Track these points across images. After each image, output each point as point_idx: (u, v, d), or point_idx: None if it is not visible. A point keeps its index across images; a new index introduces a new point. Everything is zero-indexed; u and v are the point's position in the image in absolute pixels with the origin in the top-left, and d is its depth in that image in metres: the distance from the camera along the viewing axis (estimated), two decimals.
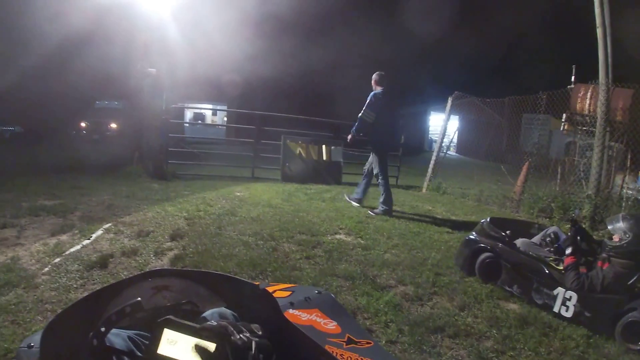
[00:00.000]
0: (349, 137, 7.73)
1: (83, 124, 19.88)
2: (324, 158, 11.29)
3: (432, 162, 11.75)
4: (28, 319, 3.03)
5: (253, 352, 1.25)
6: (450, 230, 6.67)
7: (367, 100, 7.43)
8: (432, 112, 37.23)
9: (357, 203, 7.87)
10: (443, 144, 12.15)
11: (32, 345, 1.44)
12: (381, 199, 7.46)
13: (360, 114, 7.45)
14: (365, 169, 7.90)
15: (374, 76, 7.66)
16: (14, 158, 11.08)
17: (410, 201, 9.17)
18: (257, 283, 1.76)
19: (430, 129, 38.02)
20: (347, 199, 8.08)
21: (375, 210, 7.40)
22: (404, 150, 13.69)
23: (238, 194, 8.26)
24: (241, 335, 1.26)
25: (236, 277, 1.70)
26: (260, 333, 1.34)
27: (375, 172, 7.64)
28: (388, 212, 7.35)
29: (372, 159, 7.75)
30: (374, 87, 7.62)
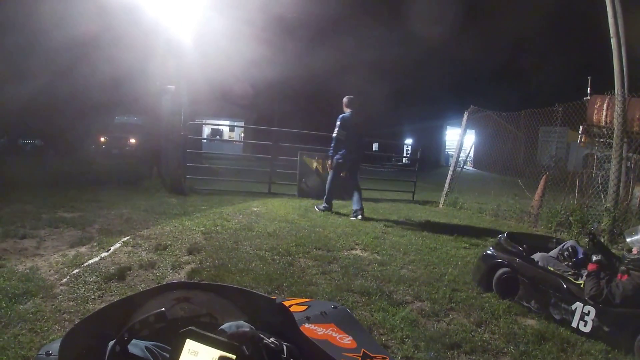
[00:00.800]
0: (329, 162, 8.56)
1: (102, 139, 20.21)
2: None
3: (448, 177, 11.69)
4: (45, 328, 3.06)
5: (285, 355, 1.26)
6: (467, 245, 6.62)
7: (338, 122, 8.16)
8: (448, 127, 37.16)
9: (360, 215, 8.16)
10: (460, 159, 12.10)
11: (50, 353, 1.46)
12: (325, 199, 8.56)
13: (334, 134, 8.17)
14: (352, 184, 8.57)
15: (344, 99, 8.41)
16: (34, 171, 11.27)
17: (427, 216, 9.13)
18: (273, 297, 1.77)
19: (446, 143, 37.91)
20: (352, 218, 8.12)
21: (320, 207, 8.49)
22: (421, 165, 13.66)
23: (255, 209, 8.30)
24: (272, 340, 1.28)
25: (253, 291, 1.72)
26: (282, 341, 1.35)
27: (330, 177, 8.54)
28: (328, 208, 8.44)
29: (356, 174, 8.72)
30: (344, 109, 8.34)
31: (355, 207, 8.22)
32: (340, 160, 8.26)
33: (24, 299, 3.47)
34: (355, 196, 8.33)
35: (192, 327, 1.30)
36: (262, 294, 1.70)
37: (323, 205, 8.54)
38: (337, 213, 8.49)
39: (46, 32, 15.19)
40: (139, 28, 10.49)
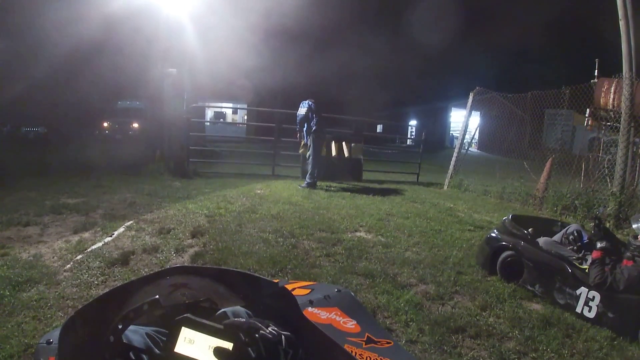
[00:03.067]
0: (297, 135, 9.99)
1: (106, 124, 20.21)
2: (345, 155, 11.22)
3: (453, 158, 11.64)
4: (49, 315, 3.06)
5: (284, 345, 1.24)
6: (472, 228, 6.60)
7: (303, 107, 9.44)
8: (453, 109, 36.91)
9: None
10: (464, 141, 12.01)
11: (51, 341, 1.45)
12: (308, 176, 9.47)
13: (298, 112, 9.53)
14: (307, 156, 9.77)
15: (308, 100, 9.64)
16: (38, 158, 11.28)
17: (432, 198, 9.10)
18: (276, 281, 1.74)
19: (451, 125, 37.70)
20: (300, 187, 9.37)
21: (302, 185, 9.37)
22: (425, 147, 13.57)
23: (258, 191, 8.29)
24: (270, 329, 1.25)
25: (255, 274, 1.69)
26: (279, 329, 1.32)
27: (308, 154, 9.63)
28: (312, 185, 9.38)
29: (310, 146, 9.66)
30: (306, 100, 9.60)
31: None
32: (316, 136, 9.40)
33: (28, 287, 3.47)
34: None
35: (188, 315, 1.28)
36: (265, 277, 1.67)
37: (306, 182, 9.39)
38: (341, 193, 8.48)
39: (46, 19, 15.08)
40: (140, 11, 10.39)
